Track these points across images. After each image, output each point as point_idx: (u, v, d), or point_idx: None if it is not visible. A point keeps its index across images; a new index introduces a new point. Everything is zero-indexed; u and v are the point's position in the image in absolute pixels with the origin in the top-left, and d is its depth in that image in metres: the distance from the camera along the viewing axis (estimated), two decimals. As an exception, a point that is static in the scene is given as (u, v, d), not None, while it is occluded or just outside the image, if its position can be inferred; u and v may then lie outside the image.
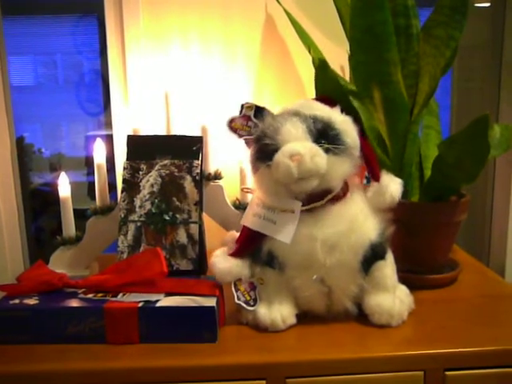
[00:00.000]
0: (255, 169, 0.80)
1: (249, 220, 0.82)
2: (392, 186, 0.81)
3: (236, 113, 0.83)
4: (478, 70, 1.44)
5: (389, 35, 0.83)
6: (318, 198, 0.78)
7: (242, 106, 0.82)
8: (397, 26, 0.87)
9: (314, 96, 0.89)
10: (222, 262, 0.82)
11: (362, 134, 0.82)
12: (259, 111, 0.82)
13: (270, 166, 0.76)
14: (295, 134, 0.75)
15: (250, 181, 1.03)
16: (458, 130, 0.81)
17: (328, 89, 0.86)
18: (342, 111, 0.80)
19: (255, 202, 0.82)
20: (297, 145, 0.74)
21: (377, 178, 0.82)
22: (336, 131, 0.77)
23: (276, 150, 0.75)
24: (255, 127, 0.81)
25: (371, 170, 0.83)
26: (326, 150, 0.75)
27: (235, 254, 0.82)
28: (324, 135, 0.76)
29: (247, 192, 1.02)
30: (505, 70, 1.35)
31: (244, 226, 0.82)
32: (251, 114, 0.82)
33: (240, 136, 0.82)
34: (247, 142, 0.82)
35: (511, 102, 1.34)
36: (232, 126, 0.82)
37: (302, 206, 0.77)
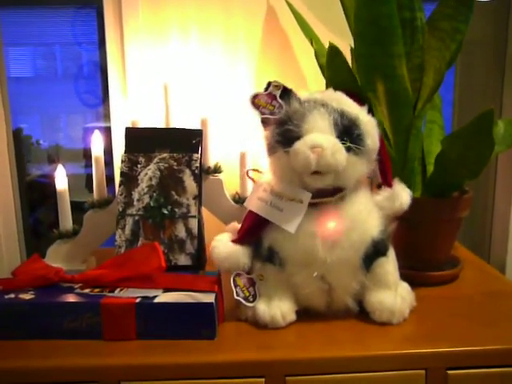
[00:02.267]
0: (271, 151, 0.78)
1: (254, 204, 0.80)
2: (403, 195, 0.81)
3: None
4: (481, 65, 1.43)
5: (395, 28, 0.82)
6: (328, 194, 0.77)
7: (269, 83, 0.79)
8: (402, 19, 0.86)
9: (325, 86, 0.87)
10: (221, 246, 0.81)
11: (382, 138, 0.81)
12: (285, 93, 0.79)
13: (288, 153, 0.75)
14: (321, 126, 0.74)
15: (251, 167, 1.01)
16: (460, 126, 0.80)
17: (339, 77, 0.85)
18: (368, 112, 0.79)
19: (263, 186, 0.81)
20: (321, 137, 0.73)
21: (390, 184, 0.82)
22: (360, 131, 0.76)
23: (298, 137, 0.74)
24: (279, 108, 0.79)
25: (385, 175, 0.83)
26: (348, 149, 0.74)
27: (237, 241, 0.81)
28: (348, 132, 0.75)
29: (252, 176, 0.97)
30: (508, 65, 1.33)
31: (249, 212, 0.81)
32: (278, 93, 0.79)
33: (262, 114, 0.79)
34: (265, 122, 0.79)
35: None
36: (255, 101, 0.79)
37: (311, 198, 0.76)
